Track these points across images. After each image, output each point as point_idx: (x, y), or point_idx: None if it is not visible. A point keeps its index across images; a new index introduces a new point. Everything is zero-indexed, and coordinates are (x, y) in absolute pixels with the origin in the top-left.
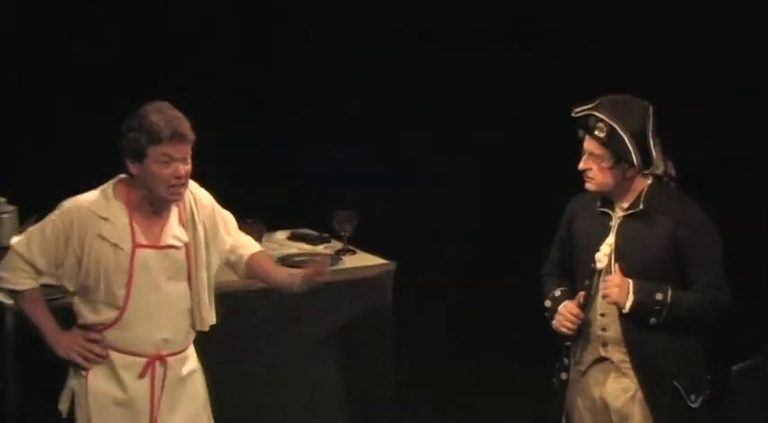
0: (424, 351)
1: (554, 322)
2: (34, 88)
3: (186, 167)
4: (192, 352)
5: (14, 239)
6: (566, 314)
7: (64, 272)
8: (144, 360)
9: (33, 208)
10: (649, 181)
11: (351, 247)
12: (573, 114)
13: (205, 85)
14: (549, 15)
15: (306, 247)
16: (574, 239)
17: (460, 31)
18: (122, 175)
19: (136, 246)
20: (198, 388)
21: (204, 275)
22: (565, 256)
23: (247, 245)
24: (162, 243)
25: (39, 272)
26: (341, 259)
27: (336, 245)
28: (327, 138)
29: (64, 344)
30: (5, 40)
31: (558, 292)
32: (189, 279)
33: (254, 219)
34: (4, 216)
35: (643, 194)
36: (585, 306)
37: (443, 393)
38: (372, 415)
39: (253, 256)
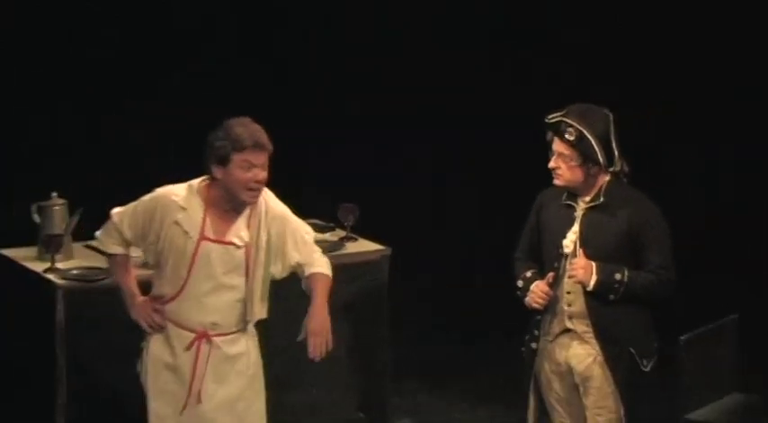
0: (415, 324)
1: (526, 299)
2: (83, 92)
3: (263, 173)
4: (245, 337)
5: (115, 210)
6: (537, 292)
7: (146, 246)
8: (192, 335)
9: (80, 201)
10: (608, 178)
11: (352, 235)
12: (546, 120)
13: (213, 83)
14: (543, 16)
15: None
16: (542, 228)
17: (459, 31)
18: (207, 176)
19: (202, 237)
20: (246, 368)
21: (260, 274)
22: (533, 242)
23: (312, 263)
24: (225, 239)
25: (126, 241)
26: (344, 245)
27: (340, 233)
28: (330, 137)
29: (135, 309)
30: (51, 44)
31: (528, 274)
32: (246, 275)
33: None
34: (55, 208)
35: (603, 189)
36: (554, 285)
37: (433, 362)
38: (370, 378)
39: (311, 275)
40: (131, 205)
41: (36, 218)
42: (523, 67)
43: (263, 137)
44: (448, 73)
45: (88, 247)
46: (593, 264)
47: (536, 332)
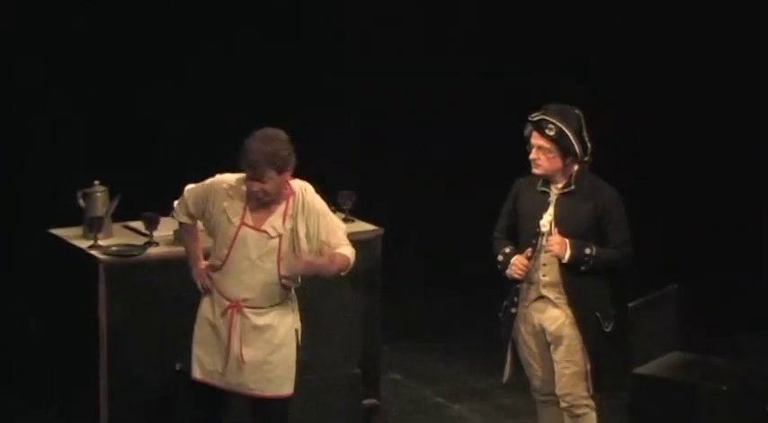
0: (405, 293)
1: (507, 271)
2: (125, 85)
3: (261, 186)
4: (276, 312)
5: (188, 186)
6: (518, 264)
7: (204, 221)
8: (227, 303)
9: (118, 188)
10: (576, 167)
11: (351, 217)
12: (528, 118)
13: (245, 68)
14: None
15: None
16: (519, 211)
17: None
18: None
19: (242, 223)
20: (273, 338)
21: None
22: (510, 223)
23: (338, 247)
24: (262, 228)
25: (191, 214)
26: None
27: (340, 215)
28: (330, 130)
29: (195, 271)
30: (109, 42)
31: (507, 249)
32: (278, 261)
33: None
34: (97, 194)
35: (573, 178)
36: (531, 259)
37: (420, 326)
38: (366, 339)
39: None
40: (198, 184)
41: (81, 202)
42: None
43: (257, 158)
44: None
45: (125, 227)
46: (567, 241)
47: (515, 299)
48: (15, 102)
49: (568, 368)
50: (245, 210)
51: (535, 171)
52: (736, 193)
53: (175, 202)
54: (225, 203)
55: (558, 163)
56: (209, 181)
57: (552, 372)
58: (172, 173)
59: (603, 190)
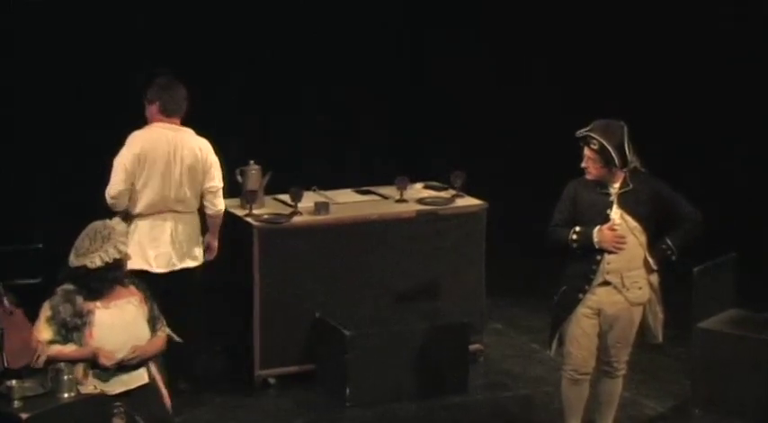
0: (506, 258)
1: (604, 244)
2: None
3: None
4: None
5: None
6: (617, 238)
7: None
8: None
9: (270, 166)
10: (625, 171)
11: (461, 193)
12: (576, 135)
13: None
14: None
15: (433, 193)
16: (580, 209)
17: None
18: None
19: None
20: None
21: None
22: (567, 219)
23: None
24: None
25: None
26: (454, 200)
27: (452, 191)
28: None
29: None
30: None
31: (578, 228)
32: None
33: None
34: (252, 171)
35: (628, 179)
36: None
37: (518, 285)
38: (473, 295)
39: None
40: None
41: (239, 178)
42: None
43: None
44: None
45: (275, 199)
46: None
47: (586, 287)
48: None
49: (620, 343)
50: None
51: (588, 176)
52: None
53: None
54: None
55: (603, 170)
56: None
57: (594, 353)
58: (311, 153)
59: (652, 180)
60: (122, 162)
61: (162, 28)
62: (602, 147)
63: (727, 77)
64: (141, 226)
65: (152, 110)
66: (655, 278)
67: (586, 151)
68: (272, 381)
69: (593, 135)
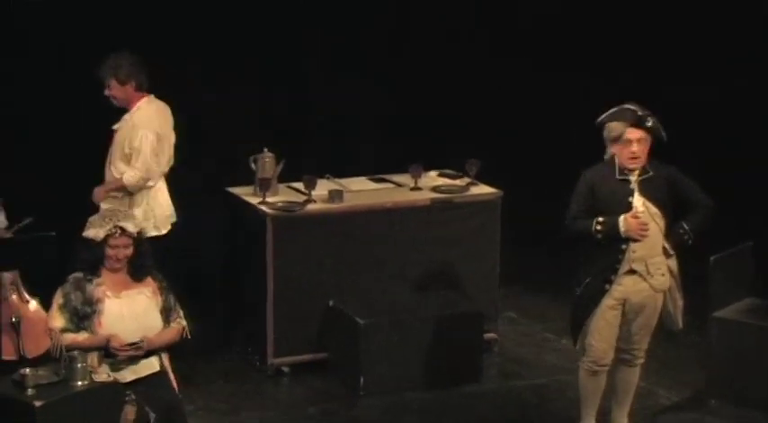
0: (520, 246)
1: (630, 232)
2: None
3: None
4: None
5: None
6: (640, 225)
7: None
8: None
9: (283, 155)
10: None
11: (475, 182)
12: (631, 118)
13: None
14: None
15: (448, 181)
16: (599, 197)
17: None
18: None
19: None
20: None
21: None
22: (586, 209)
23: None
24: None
25: None
26: (469, 188)
27: (466, 179)
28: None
29: None
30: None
31: (600, 218)
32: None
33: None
34: (266, 159)
35: (648, 166)
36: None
37: (533, 273)
38: (486, 284)
39: None
40: None
41: (252, 166)
42: None
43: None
44: None
45: (289, 187)
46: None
47: (612, 276)
48: (197, 84)
49: (643, 330)
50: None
51: (635, 164)
52: None
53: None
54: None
55: (647, 154)
56: None
57: (614, 345)
58: (323, 142)
59: (666, 168)
60: (150, 144)
61: (171, 16)
62: (656, 124)
63: (743, 68)
64: (159, 195)
65: (127, 89)
66: (673, 264)
67: (637, 134)
68: (285, 369)
69: (645, 112)
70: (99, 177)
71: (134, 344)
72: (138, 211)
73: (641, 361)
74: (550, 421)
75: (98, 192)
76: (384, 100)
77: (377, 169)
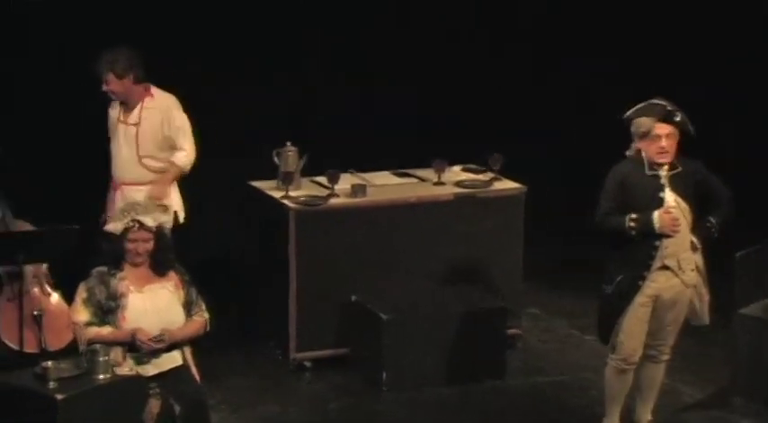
0: (543, 241)
1: (664, 229)
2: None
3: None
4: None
5: None
6: (675, 221)
7: None
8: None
9: (306, 148)
10: None
11: (499, 176)
12: (661, 113)
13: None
14: None
15: (471, 176)
16: (629, 193)
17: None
18: None
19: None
20: None
21: None
22: (616, 205)
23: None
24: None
25: None
26: (493, 183)
27: (490, 174)
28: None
29: None
30: None
31: (633, 215)
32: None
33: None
34: (289, 153)
35: (677, 160)
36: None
37: (556, 268)
38: (510, 279)
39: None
40: None
41: (276, 160)
42: None
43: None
44: None
45: (312, 181)
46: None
47: (645, 273)
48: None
49: (671, 326)
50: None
51: (664, 159)
52: None
53: None
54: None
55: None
56: None
57: (643, 342)
58: (348, 135)
59: (690, 162)
60: (190, 126)
61: (171, 15)
62: (684, 119)
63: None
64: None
65: (125, 83)
66: (699, 258)
67: (667, 129)
68: (307, 364)
69: (673, 107)
70: (101, 177)
71: (156, 337)
72: (175, 197)
73: (667, 358)
74: (573, 418)
75: (159, 190)
76: (409, 94)
77: (400, 164)
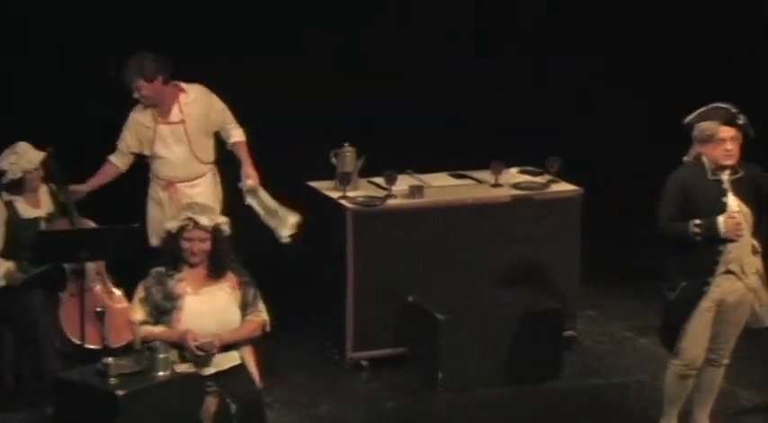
0: (600, 244)
1: (729, 234)
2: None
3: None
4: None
5: None
6: (737, 226)
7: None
8: (164, 183)
9: (364, 149)
10: None
11: (556, 179)
12: (728, 117)
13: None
14: None
15: (528, 178)
16: (692, 198)
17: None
18: None
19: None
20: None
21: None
22: (679, 211)
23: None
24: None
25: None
26: (550, 185)
27: (547, 177)
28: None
29: None
30: None
31: (698, 220)
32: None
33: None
34: (347, 154)
35: (738, 165)
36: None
37: (613, 272)
38: (566, 281)
39: (234, 143)
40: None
41: (333, 161)
42: None
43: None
44: None
45: (369, 182)
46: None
47: (709, 278)
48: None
49: (732, 329)
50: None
51: (730, 162)
52: None
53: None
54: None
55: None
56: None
57: (705, 347)
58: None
59: (751, 166)
60: None
61: (171, 15)
62: (747, 122)
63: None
64: None
65: (156, 86)
66: (759, 262)
67: (731, 132)
68: (364, 363)
69: (735, 110)
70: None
71: (202, 344)
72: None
73: (726, 361)
74: (629, 420)
75: (251, 171)
76: (468, 97)
77: (458, 165)
